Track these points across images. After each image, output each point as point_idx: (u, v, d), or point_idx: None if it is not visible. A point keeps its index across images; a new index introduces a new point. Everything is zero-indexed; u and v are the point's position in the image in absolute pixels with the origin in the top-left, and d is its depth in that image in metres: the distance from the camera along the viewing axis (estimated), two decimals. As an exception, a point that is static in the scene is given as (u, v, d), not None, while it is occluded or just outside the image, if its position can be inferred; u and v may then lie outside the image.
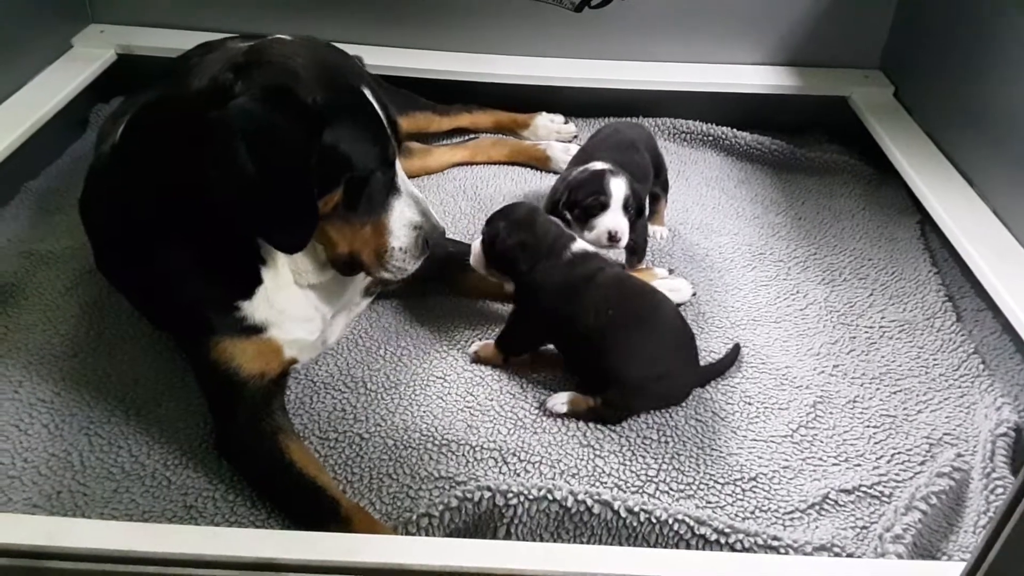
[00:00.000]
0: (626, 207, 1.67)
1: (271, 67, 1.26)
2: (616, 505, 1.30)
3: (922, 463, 1.47)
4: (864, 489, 1.42)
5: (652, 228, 1.91)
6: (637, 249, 1.82)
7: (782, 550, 1.28)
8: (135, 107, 1.46)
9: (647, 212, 1.82)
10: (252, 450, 1.39)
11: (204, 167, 1.23)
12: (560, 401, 1.52)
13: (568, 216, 1.70)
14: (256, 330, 1.40)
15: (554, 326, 1.54)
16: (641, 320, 1.49)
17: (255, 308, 1.39)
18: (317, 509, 1.31)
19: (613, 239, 1.65)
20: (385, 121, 1.34)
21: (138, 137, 1.40)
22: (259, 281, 1.39)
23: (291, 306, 1.43)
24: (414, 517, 1.29)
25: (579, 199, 1.68)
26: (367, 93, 1.32)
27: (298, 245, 1.31)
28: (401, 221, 1.38)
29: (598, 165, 1.74)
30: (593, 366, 1.52)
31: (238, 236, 1.35)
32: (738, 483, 1.42)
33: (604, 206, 1.66)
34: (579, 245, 1.56)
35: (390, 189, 1.37)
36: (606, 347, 1.47)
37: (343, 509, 1.30)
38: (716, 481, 1.43)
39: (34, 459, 1.40)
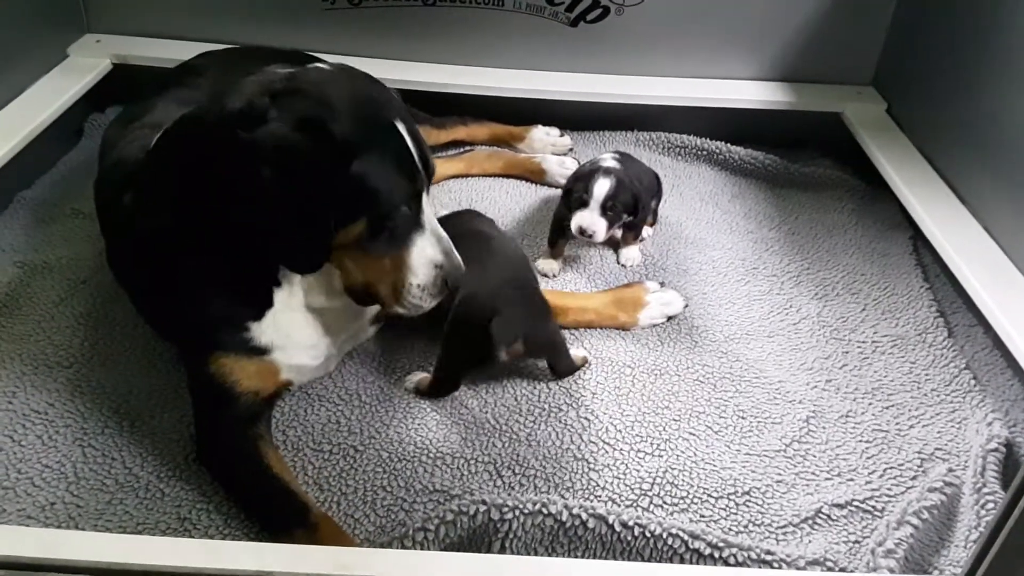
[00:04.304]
0: (605, 207, 1.84)
1: (306, 97, 1.27)
2: (611, 519, 1.30)
3: (914, 478, 1.47)
4: (857, 504, 1.42)
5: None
6: (634, 226, 1.96)
7: (775, 564, 1.29)
8: (175, 119, 1.45)
9: (650, 206, 2.01)
10: (231, 452, 1.40)
11: (229, 185, 1.26)
12: (412, 380, 1.59)
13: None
14: (260, 351, 1.41)
15: None
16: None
17: (263, 330, 1.40)
18: (287, 512, 1.33)
19: (583, 234, 1.83)
20: (417, 156, 1.34)
21: (171, 149, 1.39)
22: (271, 304, 1.40)
23: (298, 331, 1.44)
24: (410, 531, 1.28)
25: (572, 192, 1.88)
26: (401, 127, 1.33)
27: (309, 268, 1.34)
28: (422, 258, 1.37)
29: (601, 162, 1.92)
30: None
31: (257, 257, 1.36)
32: (732, 497, 1.43)
33: (585, 203, 1.85)
34: None
35: (414, 225, 1.37)
36: None
37: (312, 515, 1.32)
38: (710, 495, 1.43)
39: (28, 470, 1.40)
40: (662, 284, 1.86)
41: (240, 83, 1.33)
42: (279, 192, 1.23)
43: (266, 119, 1.24)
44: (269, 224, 1.27)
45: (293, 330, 1.43)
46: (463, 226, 1.66)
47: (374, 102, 1.34)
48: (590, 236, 1.83)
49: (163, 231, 1.38)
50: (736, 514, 1.40)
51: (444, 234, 1.40)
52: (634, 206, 1.87)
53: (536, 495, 1.35)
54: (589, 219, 1.83)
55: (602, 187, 1.83)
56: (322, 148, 1.24)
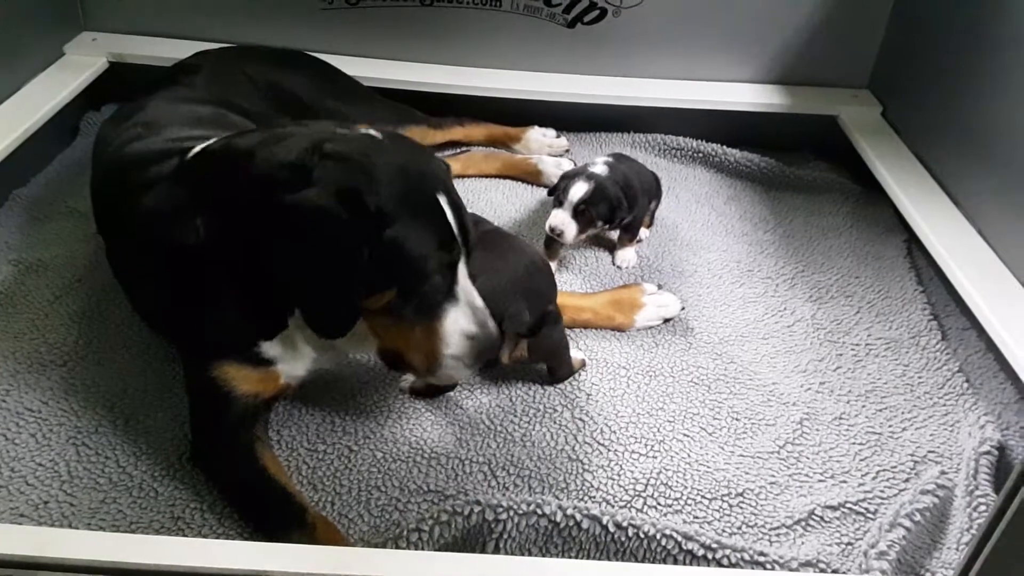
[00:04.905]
0: (578, 210, 1.86)
1: (350, 164, 1.28)
2: (604, 520, 1.30)
3: (907, 480, 1.48)
4: (849, 505, 1.43)
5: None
6: (631, 227, 1.97)
7: (768, 566, 1.29)
8: (222, 141, 1.44)
9: (647, 208, 2.03)
10: (227, 453, 1.40)
11: (263, 239, 1.29)
12: (407, 380, 1.60)
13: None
14: (265, 362, 1.42)
15: None
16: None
17: (272, 346, 1.41)
18: (284, 514, 1.33)
19: (553, 232, 1.87)
20: (456, 227, 1.34)
21: (211, 174, 1.39)
22: (284, 327, 1.41)
23: (305, 347, 1.44)
24: (404, 532, 1.29)
25: (555, 192, 1.92)
26: (442, 199, 1.33)
27: (335, 335, 1.35)
28: (455, 329, 1.35)
29: (590, 166, 1.93)
30: None
31: (279, 293, 1.36)
32: (725, 498, 1.43)
33: (560, 203, 1.88)
34: None
35: (447, 295, 1.35)
36: None
37: (309, 516, 1.33)
38: (703, 496, 1.43)
39: (21, 469, 1.40)
40: (659, 286, 1.86)
41: (294, 133, 1.35)
42: (309, 256, 1.26)
43: (310, 180, 1.26)
44: (297, 284, 1.30)
45: (300, 346, 1.43)
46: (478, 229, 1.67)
47: (418, 174, 1.34)
48: (559, 236, 1.86)
49: (183, 245, 1.38)
50: (729, 515, 1.41)
51: (481, 304, 1.38)
52: (610, 215, 1.88)
53: (530, 496, 1.35)
54: (560, 219, 1.86)
55: (577, 190, 1.85)
56: (355, 218, 1.25)
